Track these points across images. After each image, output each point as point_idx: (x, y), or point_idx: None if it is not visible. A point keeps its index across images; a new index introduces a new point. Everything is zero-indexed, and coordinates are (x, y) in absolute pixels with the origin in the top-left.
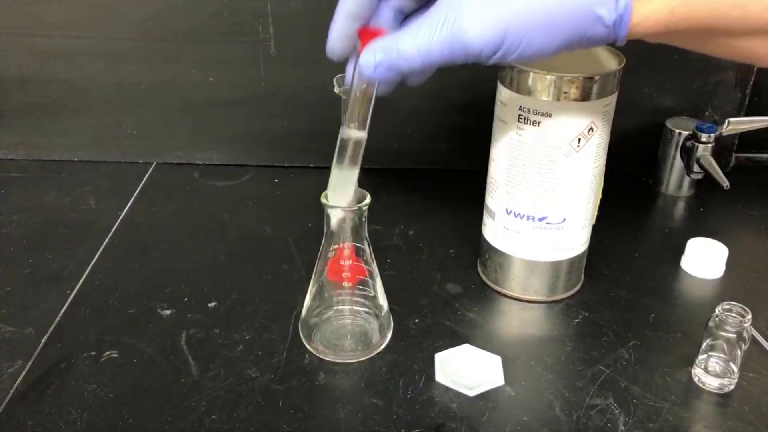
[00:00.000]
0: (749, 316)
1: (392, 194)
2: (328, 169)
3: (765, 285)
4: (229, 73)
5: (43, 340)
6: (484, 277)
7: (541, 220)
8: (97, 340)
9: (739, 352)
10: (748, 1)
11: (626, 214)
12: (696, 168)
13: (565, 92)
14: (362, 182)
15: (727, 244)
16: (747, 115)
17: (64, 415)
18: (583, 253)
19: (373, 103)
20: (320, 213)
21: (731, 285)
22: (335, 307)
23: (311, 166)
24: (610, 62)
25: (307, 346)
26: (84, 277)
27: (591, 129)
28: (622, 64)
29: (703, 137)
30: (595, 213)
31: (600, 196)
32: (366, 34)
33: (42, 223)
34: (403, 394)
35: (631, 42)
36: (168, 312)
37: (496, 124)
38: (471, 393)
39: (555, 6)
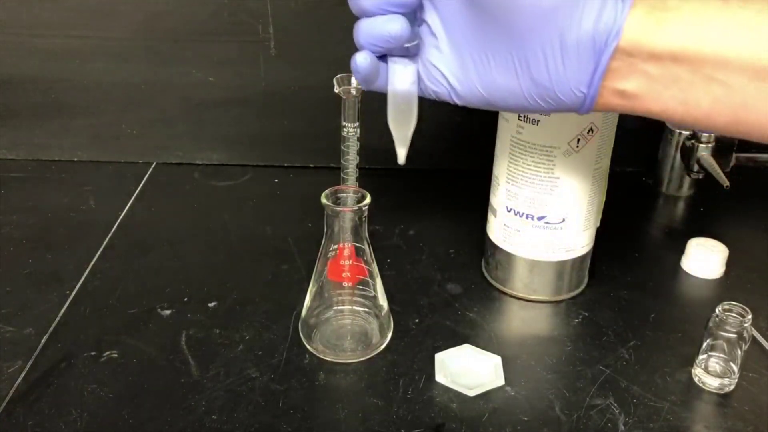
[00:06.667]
0: (749, 316)
1: (392, 194)
2: (328, 169)
3: (765, 285)
4: (229, 73)
5: (43, 340)
6: (486, 274)
7: (540, 219)
8: (97, 340)
9: (740, 352)
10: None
11: (626, 214)
12: (696, 168)
13: None
14: (362, 182)
15: (727, 244)
16: None
17: (64, 415)
18: (585, 255)
19: None
20: (320, 213)
21: (731, 285)
22: (335, 307)
23: (311, 166)
24: None
25: (307, 346)
26: (84, 277)
27: (591, 130)
28: None
29: (704, 137)
30: (599, 216)
31: (604, 199)
32: None
33: (42, 223)
34: (403, 394)
35: None
36: (168, 312)
37: (499, 122)
38: (471, 393)
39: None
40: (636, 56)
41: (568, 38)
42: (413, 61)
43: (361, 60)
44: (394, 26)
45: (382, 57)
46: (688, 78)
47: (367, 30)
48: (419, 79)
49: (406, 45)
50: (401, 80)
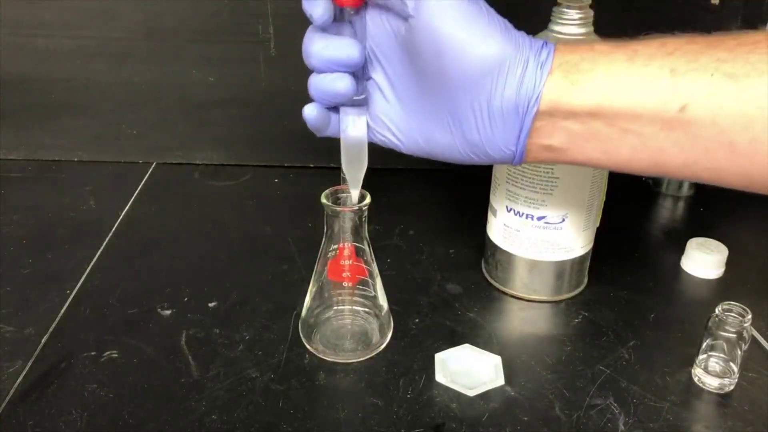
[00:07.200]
0: (749, 316)
1: (392, 194)
2: (328, 169)
3: (765, 285)
4: (229, 73)
5: (43, 340)
6: (486, 275)
7: (540, 219)
8: (97, 340)
9: (739, 352)
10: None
11: (626, 214)
12: None
13: None
14: (362, 182)
15: (727, 244)
16: None
17: (64, 415)
18: (584, 255)
19: None
20: (320, 213)
21: (731, 285)
22: (335, 307)
23: (311, 166)
24: None
25: (307, 346)
26: (84, 277)
27: None
28: None
29: None
30: (599, 216)
31: (604, 199)
32: None
33: (42, 223)
34: (403, 394)
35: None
36: (168, 312)
37: None
38: (471, 393)
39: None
40: (556, 116)
41: (493, 104)
42: (363, 111)
43: (308, 111)
44: (339, 84)
45: (336, 106)
46: (605, 131)
47: (316, 85)
48: (368, 127)
49: (354, 98)
50: (352, 128)
